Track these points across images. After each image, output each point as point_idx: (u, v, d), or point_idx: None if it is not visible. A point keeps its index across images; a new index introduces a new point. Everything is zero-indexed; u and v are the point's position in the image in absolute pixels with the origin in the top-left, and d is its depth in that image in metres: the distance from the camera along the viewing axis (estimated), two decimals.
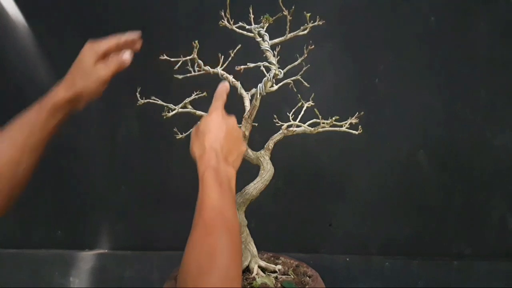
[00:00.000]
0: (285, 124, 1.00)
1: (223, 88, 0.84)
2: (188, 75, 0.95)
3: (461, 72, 1.67)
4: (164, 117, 0.98)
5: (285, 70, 0.92)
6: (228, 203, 0.68)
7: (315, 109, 0.97)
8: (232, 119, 0.82)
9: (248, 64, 0.89)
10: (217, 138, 0.75)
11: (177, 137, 1.06)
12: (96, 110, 1.76)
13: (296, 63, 0.93)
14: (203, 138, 0.75)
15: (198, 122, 0.86)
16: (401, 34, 1.67)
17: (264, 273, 0.99)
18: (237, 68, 0.90)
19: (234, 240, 0.63)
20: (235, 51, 0.94)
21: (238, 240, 0.65)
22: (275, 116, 1.00)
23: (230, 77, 0.95)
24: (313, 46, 0.89)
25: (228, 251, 0.61)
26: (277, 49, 0.92)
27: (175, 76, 0.95)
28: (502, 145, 1.69)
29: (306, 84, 0.97)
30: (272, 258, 1.08)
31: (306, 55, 0.90)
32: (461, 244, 1.75)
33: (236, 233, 0.65)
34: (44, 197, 1.81)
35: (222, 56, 0.94)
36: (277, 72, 0.90)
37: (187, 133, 1.05)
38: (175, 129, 1.06)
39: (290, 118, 1.00)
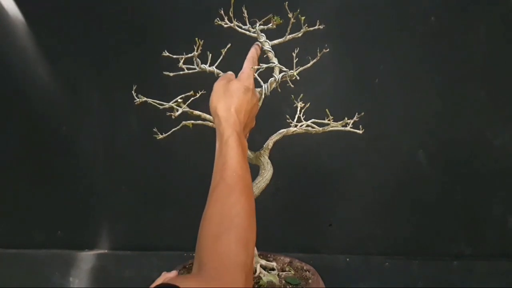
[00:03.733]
0: (294, 122, 1.01)
1: (254, 52, 0.86)
2: (181, 72, 0.94)
3: (461, 72, 1.67)
4: (173, 117, 0.97)
5: (297, 71, 0.91)
6: (248, 171, 0.70)
7: (326, 110, 0.97)
8: (257, 96, 0.84)
9: (260, 64, 0.89)
10: (243, 108, 0.77)
11: (177, 138, 1.06)
12: (96, 110, 1.76)
13: (308, 65, 0.92)
14: (230, 101, 0.75)
15: (228, 73, 0.85)
16: (401, 34, 1.67)
17: (266, 271, 0.99)
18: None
19: (251, 205, 0.66)
20: (235, 51, 0.94)
21: (254, 207, 0.67)
22: (287, 116, 1.01)
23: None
24: (328, 49, 0.89)
25: (246, 213, 0.64)
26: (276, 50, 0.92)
27: (164, 73, 0.94)
28: (502, 145, 1.69)
29: (306, 85, 0.97)
30: (261, 256, 1.07)
31: (318, 57, 0.90)
32: (461, 244, 1.75)
33: (253, 201, 0.68)
34: (44, 197, 1.82)
35: (222, 56, 0.94)
36: (294, 73, 0.90)
37: (186, 133, 1.05)
38: (175, 129, 1.06)
39: (293, 117, 1.00)
